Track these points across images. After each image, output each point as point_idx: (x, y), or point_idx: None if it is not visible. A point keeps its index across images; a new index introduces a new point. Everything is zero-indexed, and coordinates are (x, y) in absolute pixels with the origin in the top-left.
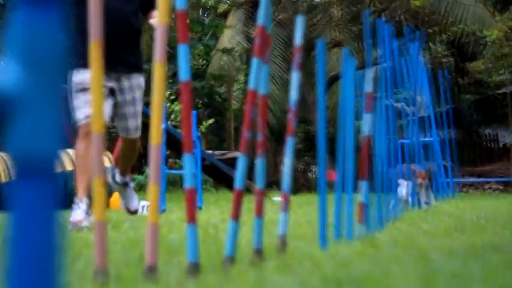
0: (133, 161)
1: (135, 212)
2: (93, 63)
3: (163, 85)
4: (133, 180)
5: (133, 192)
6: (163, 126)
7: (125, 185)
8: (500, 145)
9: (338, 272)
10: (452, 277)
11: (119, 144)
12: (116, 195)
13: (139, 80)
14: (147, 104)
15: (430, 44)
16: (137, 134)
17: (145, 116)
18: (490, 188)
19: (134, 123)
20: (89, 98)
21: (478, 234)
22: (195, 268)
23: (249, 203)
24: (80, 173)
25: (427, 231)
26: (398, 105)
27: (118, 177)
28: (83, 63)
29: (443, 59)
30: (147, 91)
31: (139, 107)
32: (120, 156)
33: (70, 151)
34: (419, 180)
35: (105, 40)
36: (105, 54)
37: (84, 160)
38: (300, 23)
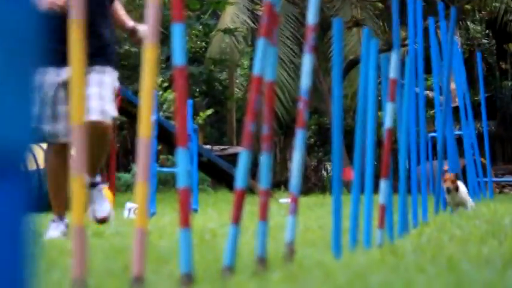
0: (103, 156)
1: (103, 221)
2: (73, 48)
3: (155, 70)
4: (118, 179)
5: (104, 196)
6: (154, 117)
7: (92, 186)
8: None
9: (353, 283)
10: None
11: None
12: None
13: (105, 72)
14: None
15: (467, 23)
16: (104, 118)
17: (134, 106)
18: None
19: (97, 104)
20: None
21: None
22: (188, 279)
23: (252, 206)
24: (56, 192)
25: (459, 238)
26: (429, 93)
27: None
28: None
29: (482, 40)
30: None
31: (106, 91)
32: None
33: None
34: (447, 184)
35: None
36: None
37: (60, 178)
38: None
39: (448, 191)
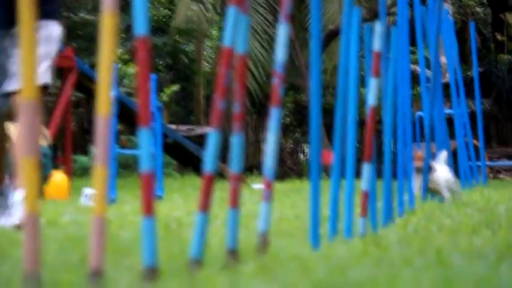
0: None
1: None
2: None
3: (114, 41)
4: (74, 161)
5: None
6: (113, 93)
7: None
8: None
9: (332, 277)
10: (476, 284)
11: (57, 117)
12: (53, 181)
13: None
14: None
15: None
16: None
17: (91, 81)
18: None
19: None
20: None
21: None
22: (151, 273)
23: (222, 192)
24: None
25: (449, 228)
26: (417, 68)
27: None
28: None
29: (476, 9)
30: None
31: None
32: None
33: None
34: (417, 163)
35: None
36: None
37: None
38: None
39: (418, 170)
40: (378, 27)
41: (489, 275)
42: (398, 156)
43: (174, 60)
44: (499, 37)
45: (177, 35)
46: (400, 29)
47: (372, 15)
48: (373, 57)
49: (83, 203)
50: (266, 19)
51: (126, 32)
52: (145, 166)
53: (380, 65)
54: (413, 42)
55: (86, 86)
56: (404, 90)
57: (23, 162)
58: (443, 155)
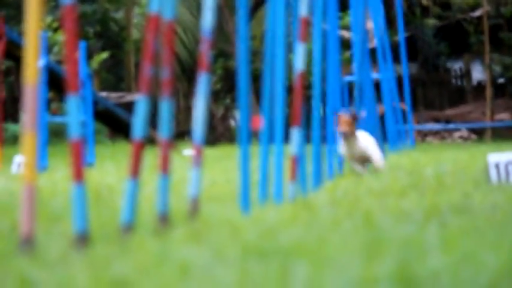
0: None
1: None
2: None
3: (41, 9)
4: (5, 130)
5: None
6: (42, 61)
7: None
8: (474, 83)
9: (262, 241)
10: (403, 245)
11: None
12: None
13: None
14: (22, 34)
15: None
16: None
17: (19, 49)
18: (460, 137)
19: None
20: None
21: (440, 195)
22: (83, 239)
23: (152, 158)
24: None
25: (377, 191)
26: (345, 33)
27: None
28: None
29: None
30: (22, 18)
31: None
32: None
33: None
34: (342, 128)
35: None
36: None
37: None
38: None
39: (345, 136)
40: None
41: (416, 236)
42: (327, 121)
43: (103, 27)
44: (424, 2)
45: (107, 2)
46: None
47: None
48: (300, 22)
49: (15, 171)
50: None
51: None
52: (74, 133)
53: (306, 30)
54: (341, 7)
55: (15, 55)
56: (333, 55)
57: None
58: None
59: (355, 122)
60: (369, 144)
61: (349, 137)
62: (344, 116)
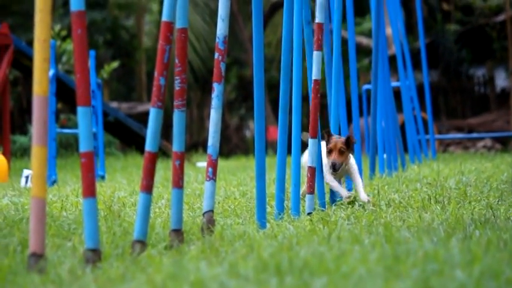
0: None
1: None
2: None
3: (49, 17)
4: (13, 142)
5: None
6: (51, 71)
7: None
8: (497, 90)
9: (279, 256)
10: (425, 260)
11: None
12: None
13: None
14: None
15: None
16: None
17: (28, 59)
18: (484, 146)
19: None
20: None
21: (463, 207)
22: (94, 256)
23: (166, 171)
24: None
25: (398, 204)
26: (363, 40)
27: None
28: None
29: None
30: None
31: None
32: None
33: None
34: (334, 157)
35: None
36: None
37: None
38: None
39: (334, 169)
40: None
41: (438, 250)
42: (341, 131)
43: (113, 35)
44: (445, 7)
45: (117, 10)
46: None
47: None
48: (315, 29)
49: (23, 185)
50: None
51: (64, 7)
52: (85, 146)
53: (322, 37)
54: (358, 13)
55: (24, 64)
56: (350, 63)
57: None
58: None
59: (352, 148)
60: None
61: (340, 168)
62: (339, 140)
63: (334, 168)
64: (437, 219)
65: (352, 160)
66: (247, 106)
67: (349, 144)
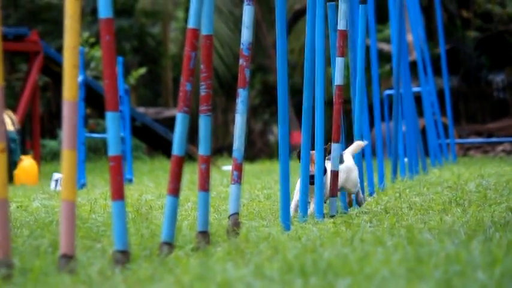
0: None
1: None
2: None
3: (78, 24)
4: (43, 146)
5: None
6: (80, 77)
7: None
8: None
9: (303, 258)
10: (447, 262)
11: (24, 102)
12: (21, 167)
13: None
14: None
15: None
16: None
17: (58, 65)
18: (503, 150)
19: None
20: None
21: (484, 210)
22: (123, 257)
23: (192, 174)
24: None
25: (419, 207)
26: (384, 46)
27: None
28: None
29: None
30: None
31: None
32: None
33: None
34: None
35: None
36: None
37: None
38: None
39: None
40: (342, 5)
41: (459, 253)
42: (365, 136)
43: (140, 42)
44: (465, 14)
45: (143, 17)
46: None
47: None
48: (338, 35)
49: (53, 188)
50: None
51: (92, 14)
52: (113, 150)
53: (345, 43)
54: (380, 20)
55: (53, 70)
56: (372, 68)
57: None
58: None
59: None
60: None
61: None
62: (313, 153)
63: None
64: (458, 222)
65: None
66: (271, 111)
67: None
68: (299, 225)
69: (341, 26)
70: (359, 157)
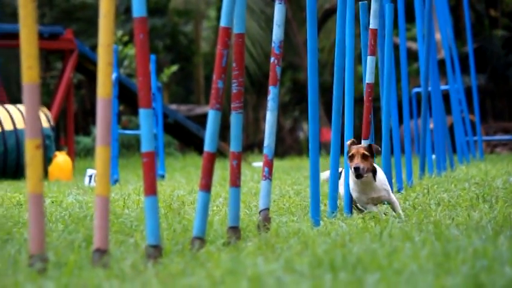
0: None
1: None
2: None
3: (113, 23)
4: (77, 143)
5: None
6: (114, 75)
7: None
8: None
9: (332, 253)
10: (474, 257)
11: (59, 99)
12: (56, 163)
13: None
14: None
15: None
16: None
17: (92, 63)
18: None
19: None
20: None
21: (511, 206)
22: (155, 251)
23: (223, 170)
24: None
25: (447, 203)
26: (412, 45)
27: None
28: None
29: None
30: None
31: None
32: None
33: (10, 107)
34: (356, 162)
35: None
36: None
37: None
38: None
39: (358, 174)
40: (373, 4)
41: (487, 248)
42: (393, 132)
43: (173, 41)
44: (492, 13)
45: (176, 16)
46: (390, 7)
47: None
48: (369, 34)
49: (87, 183)
50: None
51: (125, 13)
52: (146, 146)
53: (376, 42)
54: (408, 18)
55: (87, 68)
56: (401, 66)
57: (27, 144)
58: None
59: (373, 157)
60: (385, 182)
61: (366, 173)
62: (359, 147)
63: (358, 172)
64: (485, 218)
65: (382, 183)
66: (300, 108)
67: (372, 151)
68: (328, 221)
69: (373, 25)
70: (387, 155)
